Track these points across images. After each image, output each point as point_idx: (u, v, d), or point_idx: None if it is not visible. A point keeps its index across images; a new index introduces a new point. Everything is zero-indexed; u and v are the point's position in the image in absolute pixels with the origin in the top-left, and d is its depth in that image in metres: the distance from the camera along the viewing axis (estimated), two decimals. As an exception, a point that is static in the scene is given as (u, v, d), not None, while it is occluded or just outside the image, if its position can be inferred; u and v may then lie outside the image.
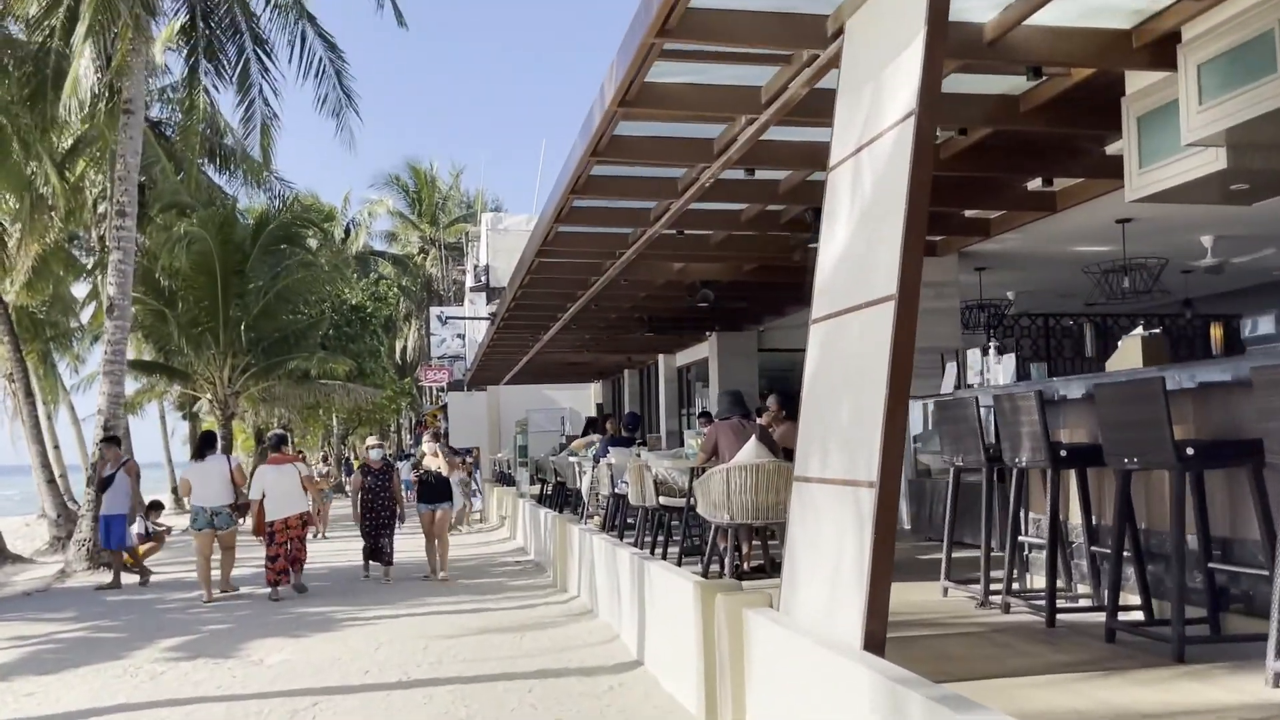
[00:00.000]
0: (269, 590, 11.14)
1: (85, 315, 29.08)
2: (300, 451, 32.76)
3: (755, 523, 6.45)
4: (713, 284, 12.94)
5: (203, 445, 12.22)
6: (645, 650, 6.90)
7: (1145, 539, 4.98)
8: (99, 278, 23.46)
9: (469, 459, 21.30)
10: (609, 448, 10.70)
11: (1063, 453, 4.98)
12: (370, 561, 12.34)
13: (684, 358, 21.41)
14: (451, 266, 46.50)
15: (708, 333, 17.96)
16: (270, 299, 22.98)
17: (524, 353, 20.61)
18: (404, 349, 47.65)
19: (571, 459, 12.86)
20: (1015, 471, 5.40)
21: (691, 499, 7.25)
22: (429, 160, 49.18)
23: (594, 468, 11.64)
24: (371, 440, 13.41)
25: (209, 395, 23.58)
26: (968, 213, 9.86)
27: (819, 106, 6.39)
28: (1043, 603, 5.29)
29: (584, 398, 31.54)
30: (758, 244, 10.85)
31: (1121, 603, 5.20)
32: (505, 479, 22.94)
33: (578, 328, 16.91)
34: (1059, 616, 4.94)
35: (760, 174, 8.13)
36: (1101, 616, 5.07)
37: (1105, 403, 4.52)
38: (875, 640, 3.80)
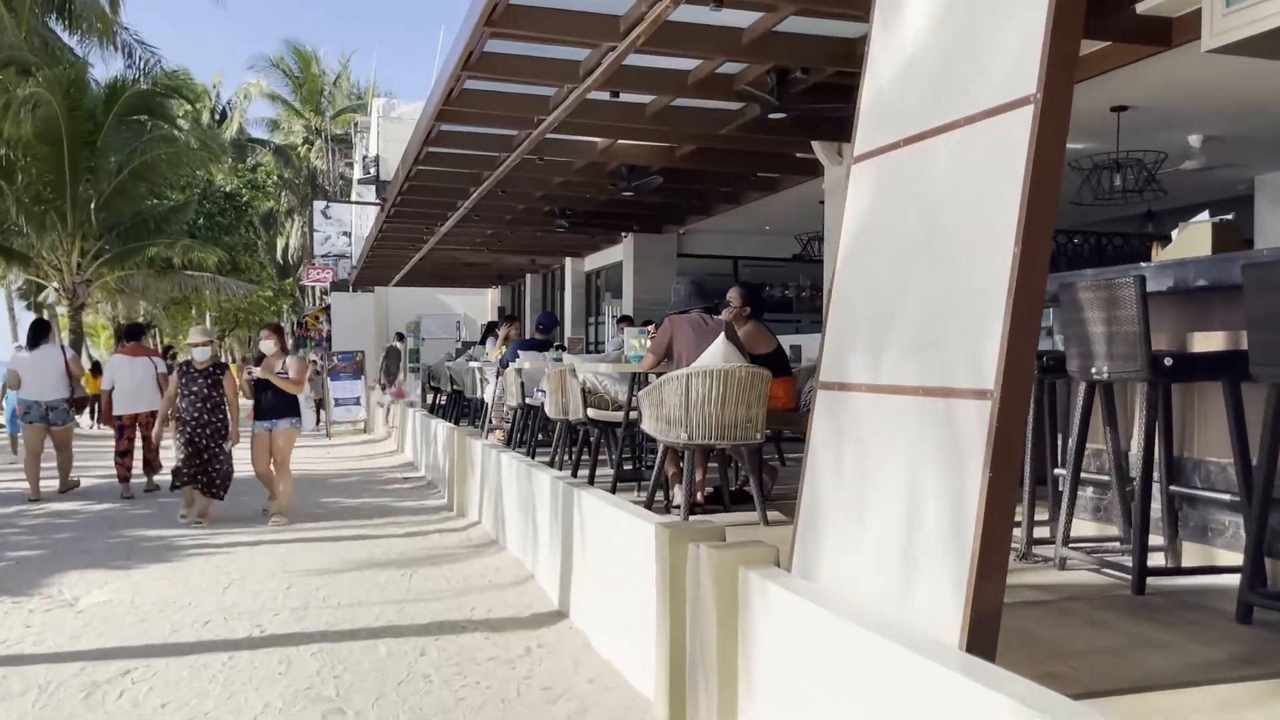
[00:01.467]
0: (121, 487, 10.26)
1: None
2: (171, 348, 30.18)
3: (720, 444, 5.02)
4: (640, 170, 11.35)
5: (35, 334, 10.67)
6: (570, 599, 5.48)
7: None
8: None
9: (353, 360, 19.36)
10: (519, 351, 9.14)
11: (1167, 361, 3.67)
12: (187, 489, 8.65)
13: (594, 261, 19.80)
14: (338, 160, 43.49)
15: (623, 234, 16.38)
16: (127, 177, 20.24)
17: (416, 248, 18.68)
18: (286, 248, 44.64)
19: (472, 364, 11.26)
20: (1084, 387, 4.09)
21: (633, 412, 5.78)
22: (313, 45, 45.20)
23: (499, 375, 10.10)
24: (196, 334, 9.13)
25: (55, 283, 20.92)
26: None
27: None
28: (1102, 556, 4.06)
29: (480, 304, 29.70)
30: (700, 118, 9.28)
31: (1207, 562, 3.99)
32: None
33: (480, 219, 15.12)
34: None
35: (728, 13, 6.53)
36: (1189, 580, 3.87)
37: (1262, 291, 3.19)
38: (983, 635, 2.42)
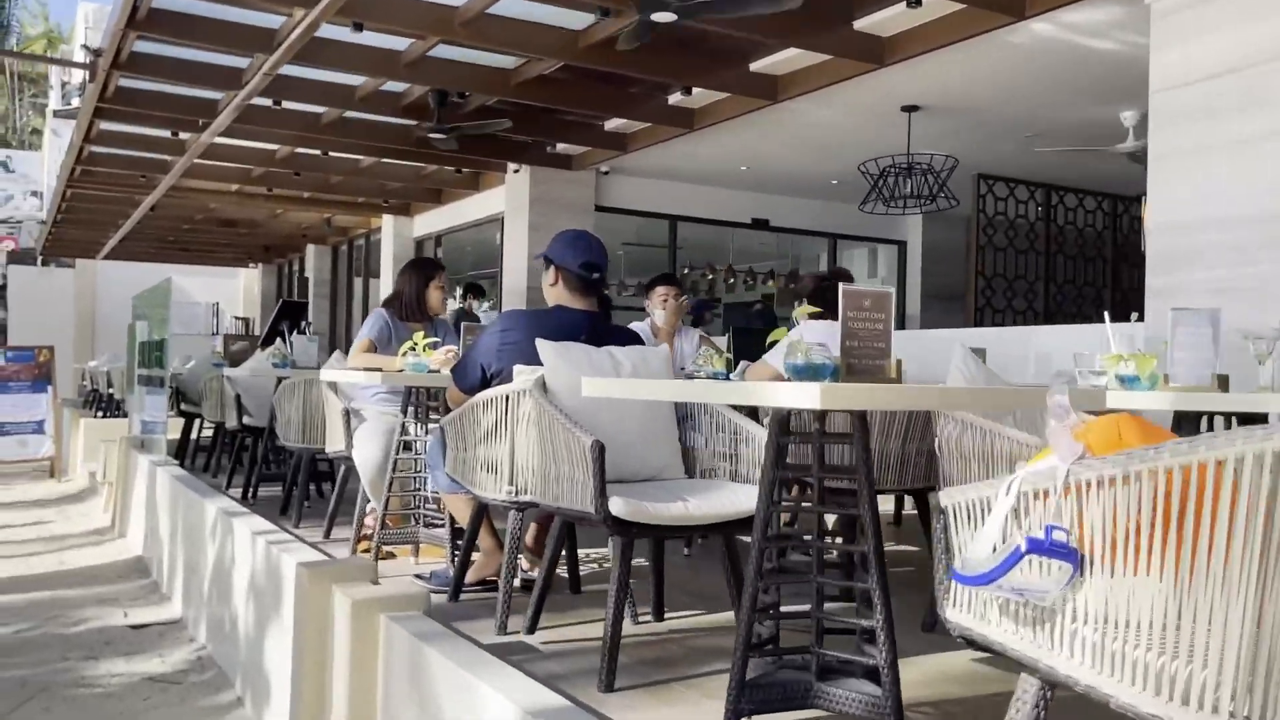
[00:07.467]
0: None
1: None
2: None
3: None
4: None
5: None
6: None
7: None
8: None
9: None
10: (531, 334, 3.10)
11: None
12: None
13: (430, 222, 13.50)
14: (23, 103, 33.92)
15: (512, 167, 10.38)
16: None
17: (151, 184, 11.75)
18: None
19: (325, 378, 4.95)
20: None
21: None
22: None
23: (415, 408, 4.05)
24: None
25: None
26: None
27: None
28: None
29: (231, 290, 22.31)
30: None
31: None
32: (105, 404, 13.78)
33: (270, 123, 8.71)
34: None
35: None
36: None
37: None
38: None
